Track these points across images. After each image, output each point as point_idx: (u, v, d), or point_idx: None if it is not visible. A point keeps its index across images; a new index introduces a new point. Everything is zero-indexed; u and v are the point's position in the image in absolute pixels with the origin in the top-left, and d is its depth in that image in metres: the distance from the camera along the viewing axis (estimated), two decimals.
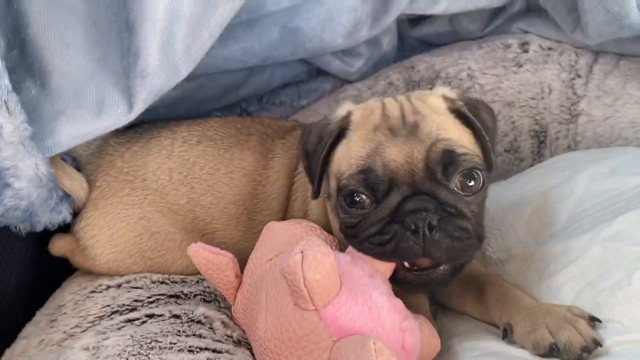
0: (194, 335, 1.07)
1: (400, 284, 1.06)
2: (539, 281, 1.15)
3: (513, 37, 1.75)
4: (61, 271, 1.36)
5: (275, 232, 1.14)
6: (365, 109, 1.16)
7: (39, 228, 1.25)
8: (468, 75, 1.72)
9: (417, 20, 1.89)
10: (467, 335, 1.13)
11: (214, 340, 1.07)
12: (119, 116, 1.21)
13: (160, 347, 1.01)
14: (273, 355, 0.95)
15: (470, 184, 1.04)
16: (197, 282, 1.30)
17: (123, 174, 1.34)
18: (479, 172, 1.05)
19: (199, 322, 1.13)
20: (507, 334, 1.06)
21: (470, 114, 1.11)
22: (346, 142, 1.12)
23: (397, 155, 1.03)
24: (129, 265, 1.31)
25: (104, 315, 1.14)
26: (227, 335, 1.11)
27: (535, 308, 1.05)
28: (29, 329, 1.20)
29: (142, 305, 1.17)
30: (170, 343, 1.02)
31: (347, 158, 1.09)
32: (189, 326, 1.10)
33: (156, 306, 1.17)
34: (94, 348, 1.01)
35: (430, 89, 1.71)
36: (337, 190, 1.09)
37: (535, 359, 1.00)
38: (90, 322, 1.13)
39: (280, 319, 0.95)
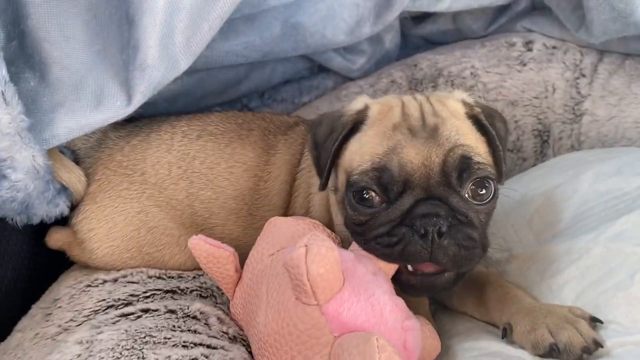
0: (189, 330, 1.06)
1: (402, 287, 1.05)
2: (540, 281, 1.14)
3: (517, 35, 1.74)
4: (58, 264, 1.36)
5: (278, 227, 1.13)
6: (383, 105, 1.13)
7: (36, 221, 1.25)
8: (471, 73, 1.70)
9: (421, 18, 1.88)
10: (467, 335, 1.12)
11: (209, 336, 1.06)
12: (118, 109, 1.21)
13: (154, 342, 1.00)
14: (272, 350, 0.94)
15: (482, 192, 1.03)
16: (194, 277, 1.30)
17: (122, 167, 1.34)
18: (491, 182, 1.04)
19: (194, 317, 1.12)
20: (506, 334, 1.04)
21: (486, 121, 1.10)
22: (360, 137, 1.10)
23: (414, 156, 1.01)
24: (126, 260, 1.30)
25: (99, 310, 1.14)
26: (223, 332, 1.10)
27: (536, 308, 1.04)
28: (24, 322, 1.20)
29: (138, 300, 1.16)
30: (165, 338, 1.01)
31: (360, 153, 1.07)
32: (184, 321, 1.09)
33: (152, 301, 1.16)
34: (87, 342, 1.01)
35: (434, 87, 1.72)
36: (346, 186, 1.07)
37: (534, 359, 0.99)
38: (85, 316, 1.12)
39: (281, 314, 0.94)
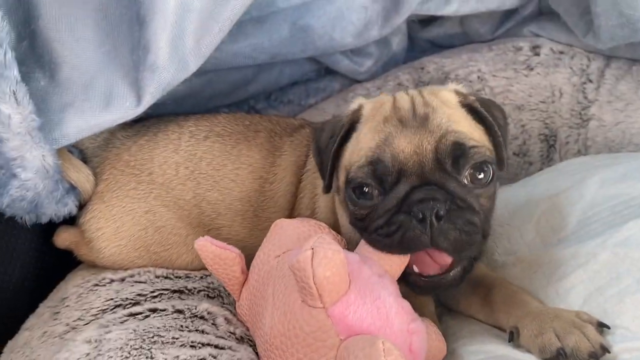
0: (196, 330, 1.07)
1: (410, 287, 1.06)
2: (547, 285, 1.14)
3: (524, 40, 1.74)
4: (66, 263, 1.36)
5: (284, 229, 1.14)
6: (375, 102, 1.16)
7: (45, 220, 1.25)
8: (478, 77, 1.71)
9: (428, 21, 1.88)
10: (472, 339, 1.12)
11: (217, 337, 1.06)
12: (127, 109, 1.21)
13: (162, 342, 1.00)
14: (278, 352, 0.94)
15: (480, 176, 1.04)
16: (201, 277, 1.30)
17: (129, 167, 1.34)
18: (489, 165, 1.05)
19: (202, 317, 1.12)
20: (513, 338, 1.04)
21: (482, 108, 1.11)
22: (356, 135, 1.13)
23: (406, 146, 1.02)
24: (134, 259, 1.31)
25: (107, 309, 1.14)
26: (230, 332, 1.10)
27: (543, 312, 1.04)
28: (32, 320, 1.20)
29: (146, 300, 1.17)
30: (173, 338, 1.02)
31: (357, 150, 1.09)
32: (191, 321, 1.09)
33: (159, 301, 1.16)
34: (96, 341, 1.01)
35: None
36: (345, 183, 1.09)
37: None
38: (93, 315, 1.13)
39: (288, 316, 0.94)
